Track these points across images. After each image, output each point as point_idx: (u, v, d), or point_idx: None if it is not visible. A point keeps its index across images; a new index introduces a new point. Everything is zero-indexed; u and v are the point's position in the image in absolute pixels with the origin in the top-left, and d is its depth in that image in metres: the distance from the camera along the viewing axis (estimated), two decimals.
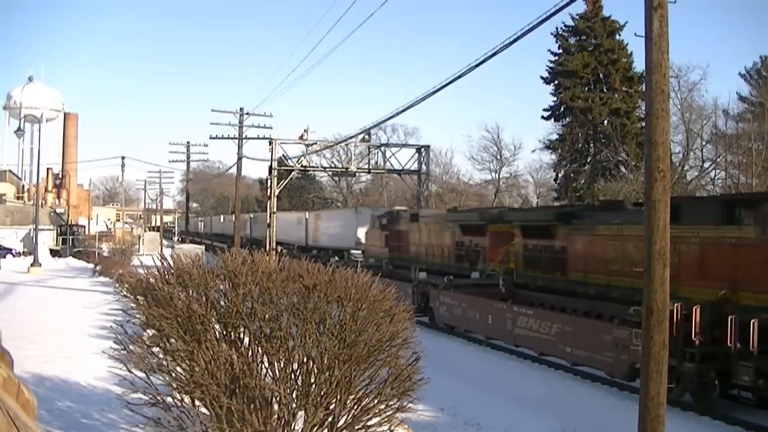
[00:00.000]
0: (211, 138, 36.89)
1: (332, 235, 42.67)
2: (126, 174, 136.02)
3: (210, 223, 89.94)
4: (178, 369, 6.20)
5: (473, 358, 20.12)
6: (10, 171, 79.21)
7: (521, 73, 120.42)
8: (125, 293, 7.24)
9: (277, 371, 6.17)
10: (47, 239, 54.51)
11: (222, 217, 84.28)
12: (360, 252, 38.18)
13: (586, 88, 45.98)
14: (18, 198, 70.77)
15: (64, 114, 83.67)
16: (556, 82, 47.29)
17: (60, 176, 77.03)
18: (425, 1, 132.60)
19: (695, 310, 13.58)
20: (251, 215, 65.34)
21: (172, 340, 6.22)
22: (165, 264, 6.86)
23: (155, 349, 6.37)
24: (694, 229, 14.89)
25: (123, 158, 67.05)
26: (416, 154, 45.17)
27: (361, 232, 36.91)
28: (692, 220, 14.95)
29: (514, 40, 12.26)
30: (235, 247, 29.34)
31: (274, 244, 41.24)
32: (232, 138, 36.29)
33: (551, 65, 47.44)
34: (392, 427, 6.63)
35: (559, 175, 50.14)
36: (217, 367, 5.98)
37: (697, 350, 13.56)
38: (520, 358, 19.65)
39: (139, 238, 57.03)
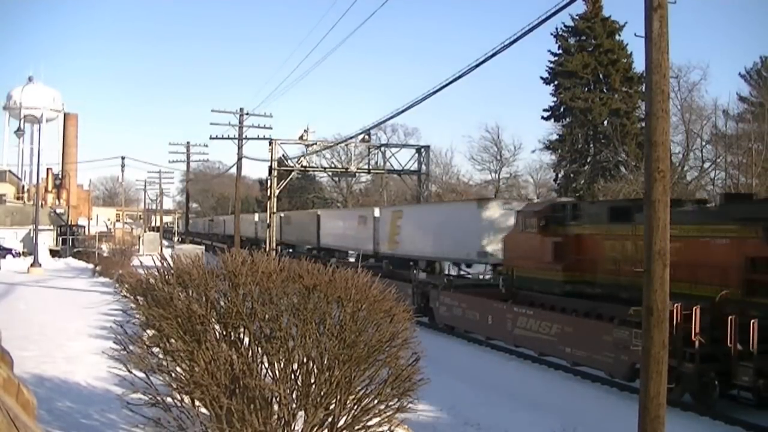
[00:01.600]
0: (211, 138, 36.99)
1: (431, 241, 28.11)
2: (126, 174, 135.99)
3: (223, 223, 75.79)
4: (178, 369, 6.20)
5: (473, 358, 20.12)
6: (10, 171, 79.29)
7: (521, 74, 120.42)
8: (125, 293, 7.25)
9: (277, 371, 6.17)
10: (47, 239, 54.52)
11: (270, 216, 73.12)
12: (485, 266, 26.46)
13: (586, 89, 45.96)
14: (18, 198, 70.81)
15: (64, 114, 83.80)
16: (555, 82, 47.28)
17: (60, 176, 77.09)
18: (425, 1, 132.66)
19: (695, 310, 13.59)
20: (282, 214, 51.57)
21: (172, 341, 6.22)
22: (165, 264, 6.86)
23: (155, 350, 6.37)
24: None
25: (123, 158, 66.80)
26: (416, 155, 45.18)
27: (491, 237, 24.21)
28: None
29: (514, 41, 12.27)
30: (235, 247, 29.35)
31: (275, 244, 41.20)
32: (232, 138, 36.38)
33: (551, 65, 47.44)
34: (392, 428, 6.63)
35: (559, 176, 50.11)
36: (217, 368, 5.98)
37: (697, 350, 13.57)
38: (520, 358, 19.65)
39: (139, 238, 57.00)
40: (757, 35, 74.73)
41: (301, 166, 44.85)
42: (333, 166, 52.53)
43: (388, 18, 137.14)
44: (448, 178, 64.56)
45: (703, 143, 41.50)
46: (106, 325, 11.45)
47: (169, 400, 6.16)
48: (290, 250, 42.64)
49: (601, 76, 45.93)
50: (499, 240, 23.30)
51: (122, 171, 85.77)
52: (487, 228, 24.80)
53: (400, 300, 6.90)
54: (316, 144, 44.13)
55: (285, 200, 63.63)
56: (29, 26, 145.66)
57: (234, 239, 40.23)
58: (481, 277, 27.55)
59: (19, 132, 58.78)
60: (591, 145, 47.27)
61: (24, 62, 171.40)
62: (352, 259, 36.37)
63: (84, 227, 64.46)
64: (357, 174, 54.37)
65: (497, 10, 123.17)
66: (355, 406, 6.37)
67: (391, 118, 24.95)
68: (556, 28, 46.24)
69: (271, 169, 42.17)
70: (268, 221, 43.14)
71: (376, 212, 34.77)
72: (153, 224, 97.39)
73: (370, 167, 45.91)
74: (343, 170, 49.51)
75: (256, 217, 58.36)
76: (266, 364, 6.25)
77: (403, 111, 21.01)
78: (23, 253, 51.81)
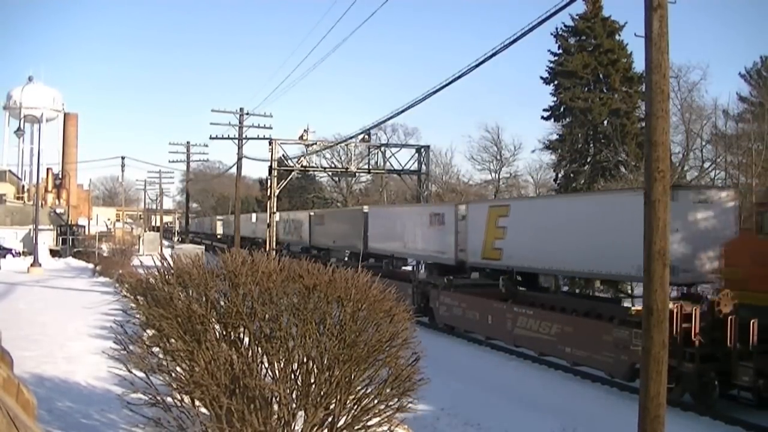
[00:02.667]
0: (211, 138, 36.96)
1: (567, 249, 19.63)
2: (126, 174, 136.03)
3: (233, 223, 68.37)
4: (178, 369, 6.20)
5: (473, 358, 20.13)
6: (10, 171, 79.26)
7: (521, 74, 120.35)
8: (125, 293, 7.25)
9: (277, 371, 6.16)
10: (47, 239, 54.51)
11: (254, 215, 59.91)
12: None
13: (586, 89, 45.94)
14: (18, 198, 70.79)
15: (64, 114, 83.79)
16: (555, 82, 47.27)
17: (60, 176, 77.09)
18: (425, 1, 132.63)
19: (695, 310, 13.61)
20: (312, 212, 44.97)
21: (172, 340, 6.22)
22: (165, 264, 6.86)
23: (155, 349, 6.37)
24: None
25: (123, 158, 66.90)
26: (416, 155, 45.17)
27: (683, 243, 16.29)
28: None
29: (514, 40, 12.27)
30: (235, 247, 29.34)
31: (274, 244, 41.18)
32: (232, 138, 36.37)
33: (551, 65, 47.44)
34: (392, 427, 6.63)
35: (559, 176, 50.07)
36: (217, 368, 5.97)
37: (697, 350, 13.57)
38: (520, 358, 19.66)
39: (139, 238, 57.00)
40: (757, 35, 74.67)
41: (301, 166, 44.82)
42: (333, 166, 52.53)
43: (387, 18, 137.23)
44: (448, 178, 64.56)
45: (703, 143, 41.50)
46: (106, 325, 11.45)
47: (169, 400, 6.16)
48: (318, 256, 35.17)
49: (601, 76, 45.91)
50: (696, 248, 16.12)
51: (122, 171, 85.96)
52: (676, 229, 15.92)
53: (400, 300, 6.90)
54: (316, 144, 44.12)
55: (285, 200, 63.54)
56: (30, 26, 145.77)
57: (252, 241, 38.16)
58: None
59: (19, 132, 58.74)
60: (591, 145, 47.24)
61: (24, 62, 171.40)
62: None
63: (84, 227, 64.45)
64: (357, 174, 54.34)
65: (497, 10, 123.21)
66: (355, 406, 6.37)
67: (391, 117, 24.97)
68: (556, 28, 46.22)
69: (271, 169, 42.18)
70: (267, 221, 42.99)
71: (462, 209, 25.89)
72: (153, 224, 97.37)
73: (370, 167, 45.89)
74: (343, 170, 49.50)
75: (277, 216, 50.28)
76: (266, 364, 6.24)
77: (403, 111, 21.02)
78: (23, 252, 51.81)
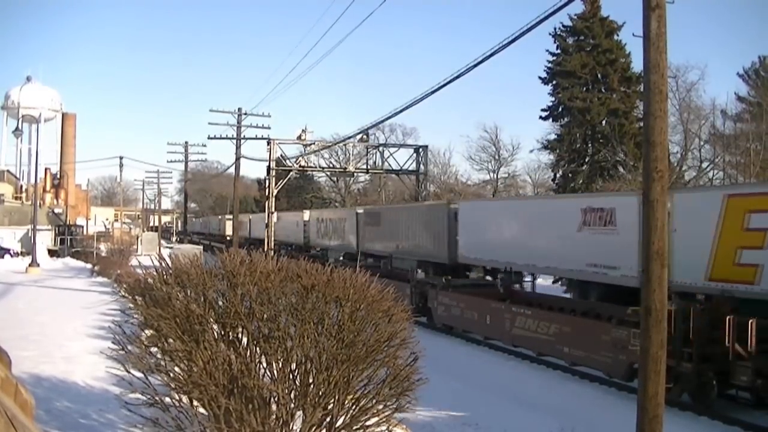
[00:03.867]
0: (209, 138, 36.96)
1: None
2: (124, 174, 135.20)
3: (248, 224, 59.43)
4: (177, 369, 6.19)
5: (472, 358, 20.14)
6: (8, 171, 79.05)
7: (520, 74, 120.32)
8: (123, 293, 7.24)
9: (275, 371, 6.16)
10: (45, 239, 54.43)
11: (269, 215, 46.84)
12: None
13: (584, 89, 45.99)
14: (16, 198, 70.64)
15: (63, 114, 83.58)
16: (554, 82, 47.30)
17: (58, 176, 76.92)
18: (424, 2, 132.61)
19: (693, 310, 13.61)
20: (360, 209, 36.55)
21: (171, 340, 6.21)
22: (163, 264, 6.85)
23: (153, 350, 6.36)
24: None
25: (121, 158, 66.55)
26: (414, 154, 45.16)
27: None
28: None
29: (513, 40, 12.27)
30: (234, 247, 29.32)
31: (273, 244, 41.15)
32: (230, 138, 36.38)
33: (549, 65, 47.47)
34: (390, 427, 6.63)
35: (557, 175, 50.13)
36: (215, 367, 5.97)
37: (695, 350, 13.58)
38: (519, 358, 19.67)
39: (138, 238, 56.97)
40: (755, 35, 74.74)
41: (300, 165, 44.79)
42: (331, 166, 52.50)
43: (386, 18, 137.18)
44: (447, 177, 64.62)
45: (702, 143, 41.61)
46: (104, 325, 11.45)
47: (167, 400, 6.15)
48: (369, 261, 28.79)
49: (599, 75, 45.95)
50: None
51: (120, 171, 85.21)
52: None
53: (398, 300, 6.89)
54: (314, 144, 44.13)
55: (283, 200, 63.50)
56: (28, 26, 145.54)
57: (267, 243, 37.46)
58: None
59: (17, 132, 58.61)
60: (589, 145, 47.28)
61: (22, 62, 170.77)
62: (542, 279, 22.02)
63: (82, 227, 64.43)
64: (355, 174, 54.34)
65: (496, 11, 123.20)
66: (354, 406, 6.36)
67: (390, 117, 24.96)
68: (555, 28, 46.28)
69: (269, 168, 42.16)
70: (266, 221, 42.91)
71: (678, 199, 15.98)
72: (151, 224, 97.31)
73: (369, 167, 45.88)
74: (342, 170, 49.49)
75: (306, 215, 44.76)
76: (264, 364, 6.24)
77: (401, 111, 20.98)
78: (21, 252, 51.74)
